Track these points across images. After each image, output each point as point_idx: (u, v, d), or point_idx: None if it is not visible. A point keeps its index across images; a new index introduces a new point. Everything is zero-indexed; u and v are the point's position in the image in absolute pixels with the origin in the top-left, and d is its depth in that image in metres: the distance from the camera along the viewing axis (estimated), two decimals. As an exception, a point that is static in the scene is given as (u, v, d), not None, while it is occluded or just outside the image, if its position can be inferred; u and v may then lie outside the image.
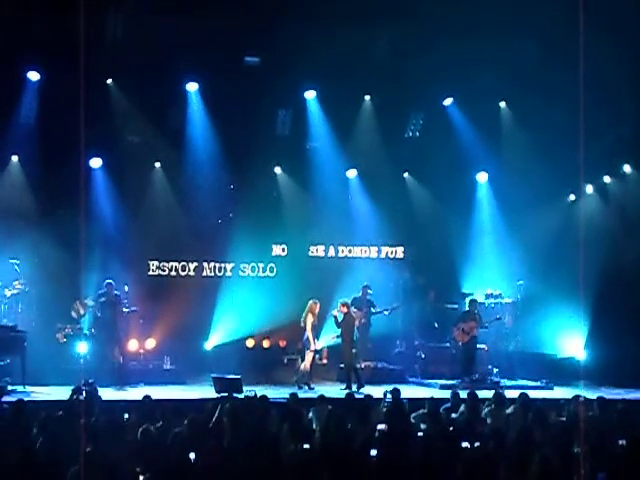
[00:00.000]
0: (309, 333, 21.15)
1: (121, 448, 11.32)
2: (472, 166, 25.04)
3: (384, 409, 15.21)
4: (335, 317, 21.26)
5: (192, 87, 23.40)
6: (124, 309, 21.68)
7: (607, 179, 25.09)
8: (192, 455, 10.77)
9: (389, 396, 15.92)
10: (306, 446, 11.72)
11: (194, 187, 23.64)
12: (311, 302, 21.34)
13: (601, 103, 20.50)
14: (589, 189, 24.88)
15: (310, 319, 21.20)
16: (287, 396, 15.76)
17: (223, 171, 23.67)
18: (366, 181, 25.30)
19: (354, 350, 21.29)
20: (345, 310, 21.26)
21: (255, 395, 15.84)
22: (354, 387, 20.51)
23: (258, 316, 23.90)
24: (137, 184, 23.59)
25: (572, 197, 24.82)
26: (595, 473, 9.99)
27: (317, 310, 21.33)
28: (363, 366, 22.20)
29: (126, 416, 14.12)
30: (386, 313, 23.18)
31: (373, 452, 11.38)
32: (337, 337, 21.57)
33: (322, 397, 15.75)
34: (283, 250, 25.35)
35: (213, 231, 24.30)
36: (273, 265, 25.18)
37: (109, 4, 21.06)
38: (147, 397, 14.73)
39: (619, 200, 24.85)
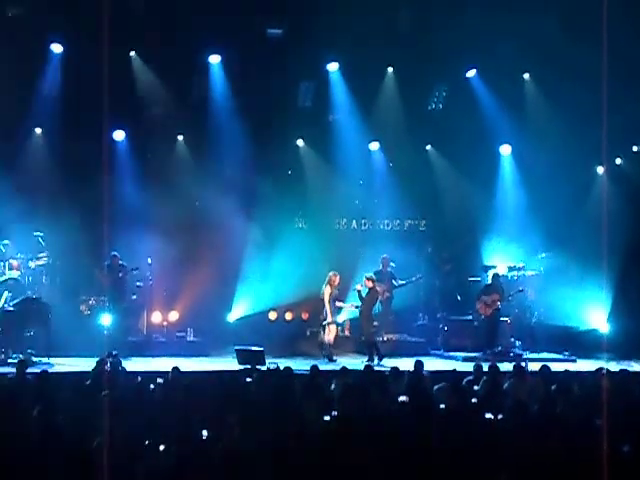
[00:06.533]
0: (327, 305, 21.17)
1: (144, 419, 11.39)
2: (495, 139, 24.85)
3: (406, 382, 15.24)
4: (359, 292, 21.22)
5: (214, 59, 23.39)
6: (138, 283, 21.92)
7: (635, 148, 24.96)
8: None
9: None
10: (327, 418, 11.76)
11: (217, 159, 23.61)
12: (331, 274, 21.33)
13: (625, 75, 20.39)
14: (617, 161, 24.75)
15: (328, 291, 21.18)
16: (309, 368, 15.78)
17: (246, 143, 23.62)
18: (389, 154, 25.23)
19: (375, 323, 21.31)
20: (370, 285, 21.20)
21: (277, 367, 15.88)
22: (376, 360, 20.54)
23: (281, 289, 23.94)
24: (160, 156, 23.60)
25: (600, 169, 24.63)
26: (619, 446, 9.95)
27: (337, 282, 21.29)
28: (385, 339, 22.22)
29: (152, 386, 14.20)
30: (404, 282, 23.10)
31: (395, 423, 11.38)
32: (355, 307, 21.55)
33: (344, 369, 15.78)
34: (305, 223, 25.33)
35: (236, 203, 24.24)
36: (296, 238, 25.14)
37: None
38: (175, 369, 14.80)
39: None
